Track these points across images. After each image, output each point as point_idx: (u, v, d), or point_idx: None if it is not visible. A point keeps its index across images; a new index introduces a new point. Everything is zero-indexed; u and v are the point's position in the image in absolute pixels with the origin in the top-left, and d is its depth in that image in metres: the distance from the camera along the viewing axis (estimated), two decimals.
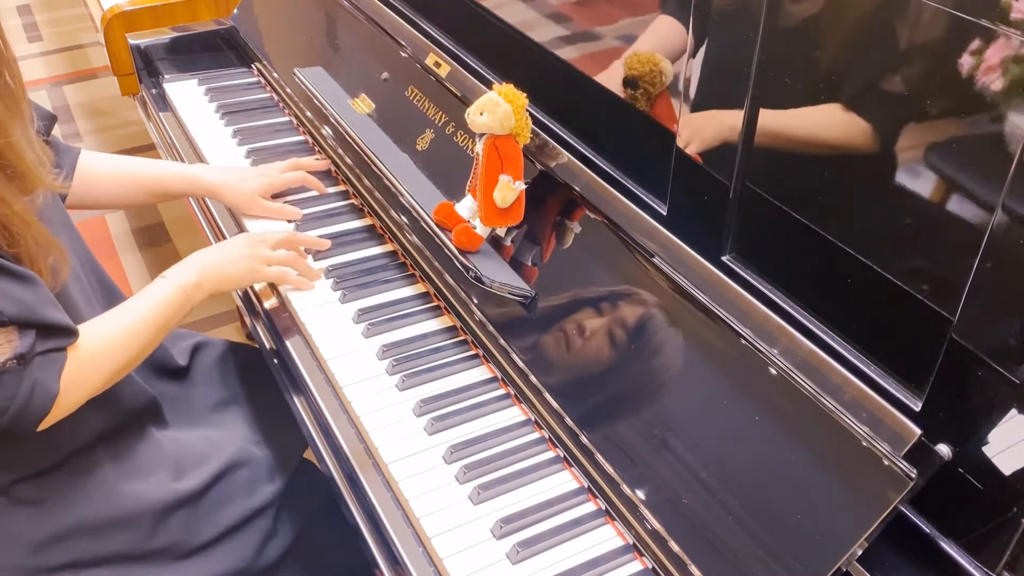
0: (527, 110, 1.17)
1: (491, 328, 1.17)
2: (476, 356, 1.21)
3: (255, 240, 1.29)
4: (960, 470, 0.82)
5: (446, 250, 1.21)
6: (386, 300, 1.29)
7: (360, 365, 1.19)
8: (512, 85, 1.17)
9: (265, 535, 1.23)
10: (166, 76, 1.85)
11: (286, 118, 1.72)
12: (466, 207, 1.22)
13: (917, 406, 0.84)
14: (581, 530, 1.00)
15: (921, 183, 0.80)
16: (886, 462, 0.82)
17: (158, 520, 1.14)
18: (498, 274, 1.17)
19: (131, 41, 1.87)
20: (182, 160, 1.64)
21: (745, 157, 0.96)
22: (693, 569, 0.90)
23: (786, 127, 0.92)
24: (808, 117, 0.90)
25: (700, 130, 1.01)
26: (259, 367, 1.38)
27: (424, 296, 1.31)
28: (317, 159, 1.55)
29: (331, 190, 1.53)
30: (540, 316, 1.14)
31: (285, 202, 1.46)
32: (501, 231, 1.23)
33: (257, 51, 1.83)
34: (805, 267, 0.94)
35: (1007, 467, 0.79)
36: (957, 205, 0.78)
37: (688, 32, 0.99)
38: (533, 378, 1.10)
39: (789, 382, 0.91)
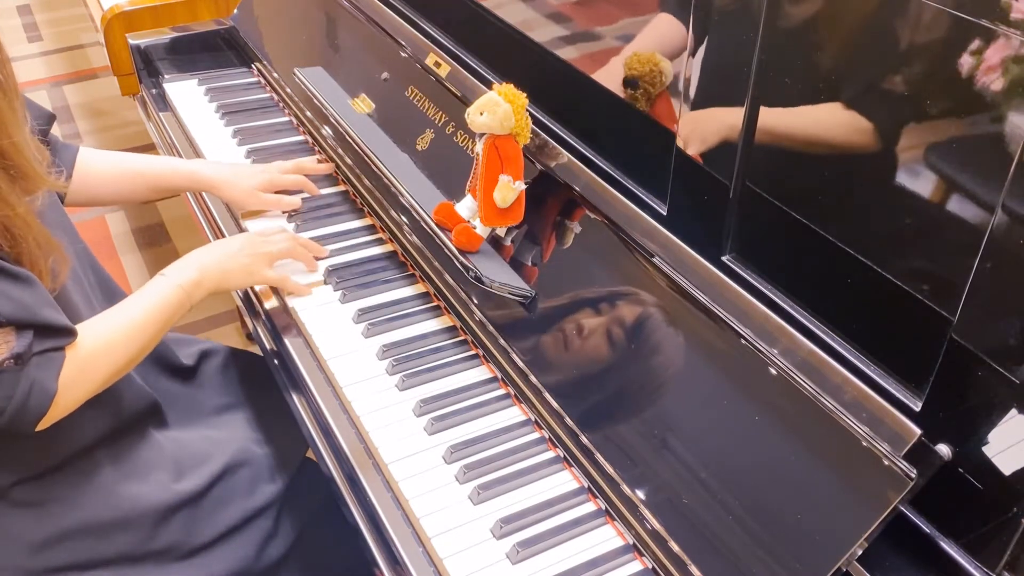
0: (527, 110, 1.17)
1: (491, 328, 1.17)
2: (476, 356, 1.21)
3: (256, 240, 1.28)
4: (960, 470, 0.82)
5: (446, 250, 1.21)
6: (386, 300, 1.29)
7: (360, 365, 1.19)
8: (512, 85, 1.17)
9: (266, 535, 1.23)
10: (166, 76, 1.85)
11: (286, 118, 1.72)
12: (466, 207, 1.22)
13: (917, 406, 0.84)
14: (581, 530, 1.00)
15: (921, 183, 0.80)
16: (886, 462, 0.82)
17: (158, 521, 1.14)
18: (498, 274, 1.17)
19: (131, 41, 1.87)
20: None
21: (745, 157, 0.96)
22: (693, 569, 0.90)
23: (786, 127, 0.92)
24: (808, 117, 0.90)
25: (700, 129, 1.01)
26: (261, 372, 1.38)
27: (424, 296, 1.31)
28: (319, 160, 1.54)
29: (331, 190, 1.53)
30: (540, 316, 1.14)
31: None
32: (501, 231, 1.23)
33: (257, 51, 1.83)
34: (805, 267, 0.94)
35: (1007, 467, 0.79)
36: (957, 205, 0.78)
37: (688, 31, 0.99)
38: (533, 378, 1.10)
39: (789, 382, 0.91)
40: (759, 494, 0.89)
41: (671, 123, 1.05)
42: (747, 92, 0.92)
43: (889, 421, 0.84)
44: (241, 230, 1.44)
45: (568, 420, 1.05)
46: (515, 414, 1.13)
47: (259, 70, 1.83)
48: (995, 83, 0.71)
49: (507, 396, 1.15)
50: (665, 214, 1.08)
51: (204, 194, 1.55)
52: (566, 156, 1.22)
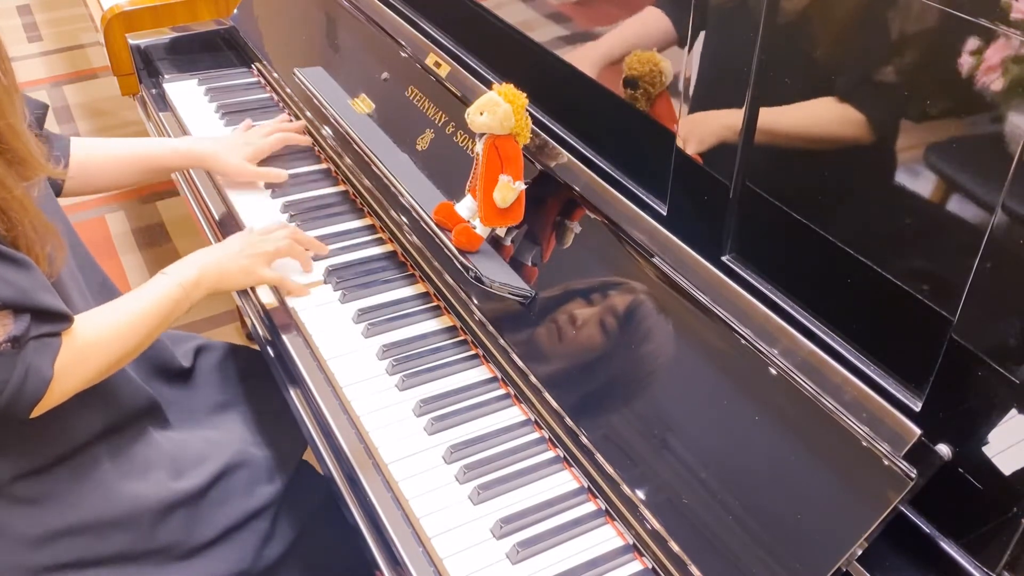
0: (527, 110, 1.17)
1: (491, 328, 1.17)
2: (476, 356, 1.21)
3: (255, 240, 1.29)
4: (960, 470, 0.82)
5: (446, 250, 1.21)
6: (386, 300, 1.29)
7: (360, 365, 1.19)
8: (512, 85, 1.17)
9: (263, 537, 1.23)
10: (166, 76, 1.85)
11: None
12: (466, 207, 1.22)
13: (917, 406, 0.84)
14: (581, 530, 1.00)
15: (921, 183, 0.80)
16: (886, 462, 0.82)
17: (157, 519, 1.14)
18: (498, 274, 1.17)
19: (131, 41, 1.87)
20: None
21: (745, 157, 0.96)
22: (693, 569, 0.90)
23: (786, 127, 0.92)
24: (808, 117, 0.90)
25: (700, 129, 1.01)
26: (260, 370, 1.38)
27: (424, 296, 1.31)
28: (293, 120, 1.63)
29: (331, 190, 1.53)
30: (540, 316, 1.14)
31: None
32: (501, 231, 1.23)
33: (257, 51, 1.83)
34: (805, 267, 0.94)
35: (1007, 467, 0.79)
36: (957, 205, 0.78)
37: (688, 31, 0.99)
38: (533, 378, 1.10)
39: (789, 382, 0.91)
40: (759, 494, 0.89)
41: (671, 123, 1.05)
42: (747, 92, 0.92)
43: (889, 421, 0.84)
44: (238, 226, 1.44)
45: (568, 420, 1.05)
46: (515, 414, 1.13)
47: (259, 70, 1.83)
48: (995, 83, 0.71)
49: (507, 396, 1.15)
50: (665, 214, 1.08)
51: (204, 194, 1.57)
52: (566, 156, 1.22)
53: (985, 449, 0.80)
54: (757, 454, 0.91)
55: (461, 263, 1.18)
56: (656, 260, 1.07)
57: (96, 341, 1.05)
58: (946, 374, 0.81)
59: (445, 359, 1.20)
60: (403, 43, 1.53)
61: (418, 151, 1.39)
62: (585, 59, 1.19)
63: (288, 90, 1.69)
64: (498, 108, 1.14)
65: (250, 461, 1.26)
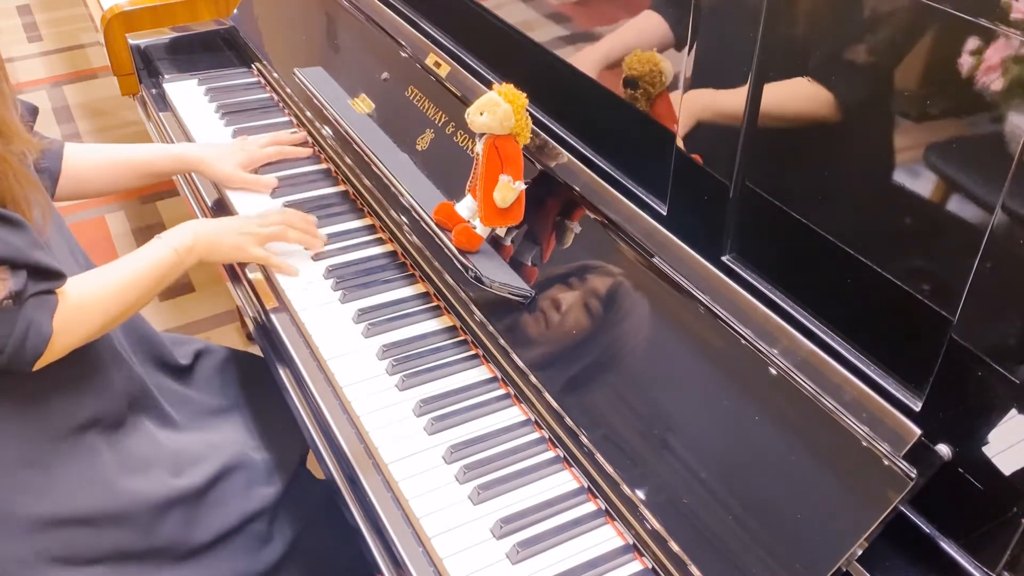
0: (527, 110, 1.18)
1: (491, 328, 1.17)
2: (476, 356, 1.21)
3: (250, 222, 1.33)
4: (960, 470, 0.82)
5: (446, 250, 1.21)
6: (386, 300, 1.30)
7: (360, 365, 1.19)
8: (512, 85, 1.17)
9: (261, 540, 1.24)
10: (166, 76, 1.85)
11: (286, 118, 1.72)
12: (466, 207, 1.22)
13: (917, 406, 0.84)
14: (581, 530, 1.00)
15: (921, 183, 0.80)
16: (886, 462, 0.82)
17: (156, 517, 1.14)
18: (498, 274, 1.17)
19: (131, 41, 1.87)
20: None
21: (745, 157, 0.96)
22: (693, 569, 0.90)
23: (786, 127, 0.92)
24: (808, 117, 0.90)
25: (699, 125, 1.01)
26: (260, 374, 1.39)
27: (424, 296, 1.31)
28: (293, 132, 1.63)
29: (331, 190, 1.53)
30: (540, 316, 1.14)
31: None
32: (501, 231, 1.23)
33: (257, 51, 1.83)
34: (805, 267, 0.94)
35: (1007, 467, 0.79)
36: (957, 205, 0.78)
37: (688, 31, 0.99)
38: (533, 378, 1.10)
39: (789, 382, 0.91)
40: (759, 494, 0.89)
41: (671, 123, 1.05)
42: (747, 92, 0.92)
43: (889, 421, 0.84)
44: (229, 210, 1.48)
45: (568, 420, 1.05)
46: (515, 414, 1.13)
47: (259, 70, 1.83)
48: (995, 83, 0.71)
49: (507, 396, 1.15)
50: (665, 214, 1.08)
51: (204, 195, 1.58)
52: (566, 156, 1.22)
53: (985, 449, 0.80)
54: (757, 454, 0.91)
55: (461, 263, 1.18)
56: (656, 260, 1.07)
57: (95, 299, 1.09)
58: (946, 374, 0.81)
59: (445, 359, 1.20)
60: (403, 43, 1.53)
61: (418, 151, 1.39)
62: (585, 59, 1.19)
63: (288, 90, 1.69)
64: (498, 108, 1.14)
65: (248, 464, 1.26)
